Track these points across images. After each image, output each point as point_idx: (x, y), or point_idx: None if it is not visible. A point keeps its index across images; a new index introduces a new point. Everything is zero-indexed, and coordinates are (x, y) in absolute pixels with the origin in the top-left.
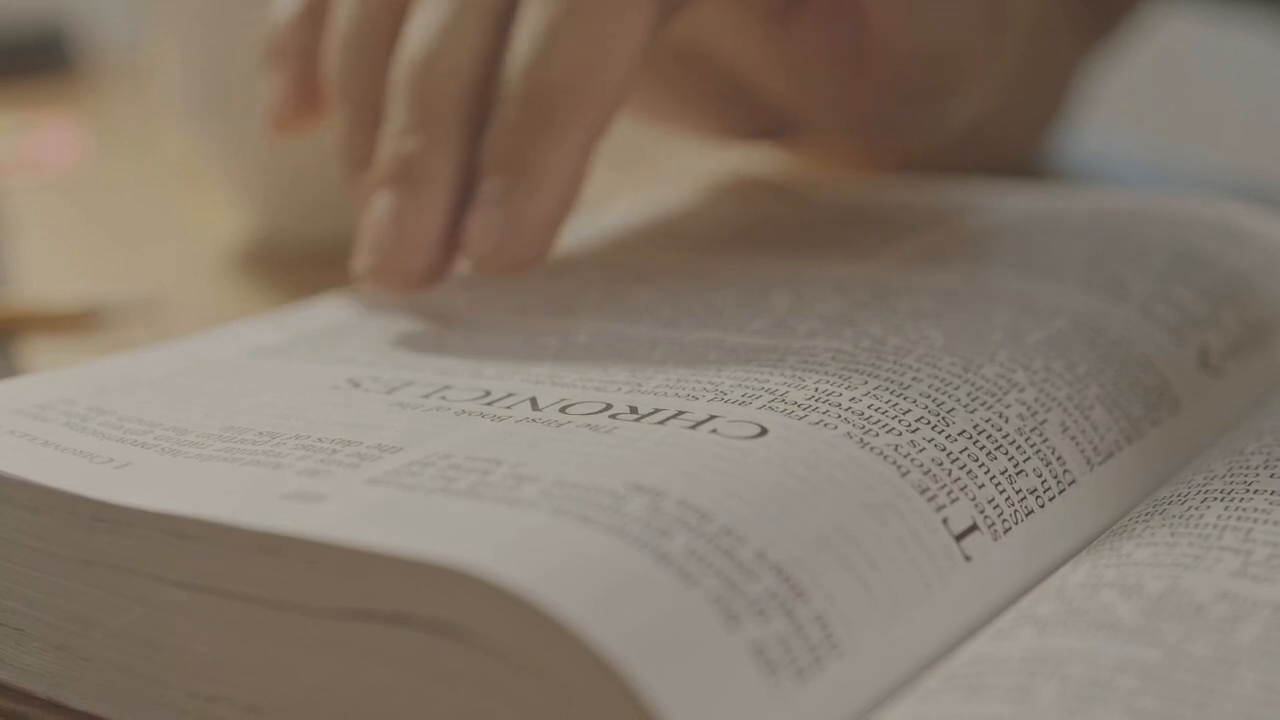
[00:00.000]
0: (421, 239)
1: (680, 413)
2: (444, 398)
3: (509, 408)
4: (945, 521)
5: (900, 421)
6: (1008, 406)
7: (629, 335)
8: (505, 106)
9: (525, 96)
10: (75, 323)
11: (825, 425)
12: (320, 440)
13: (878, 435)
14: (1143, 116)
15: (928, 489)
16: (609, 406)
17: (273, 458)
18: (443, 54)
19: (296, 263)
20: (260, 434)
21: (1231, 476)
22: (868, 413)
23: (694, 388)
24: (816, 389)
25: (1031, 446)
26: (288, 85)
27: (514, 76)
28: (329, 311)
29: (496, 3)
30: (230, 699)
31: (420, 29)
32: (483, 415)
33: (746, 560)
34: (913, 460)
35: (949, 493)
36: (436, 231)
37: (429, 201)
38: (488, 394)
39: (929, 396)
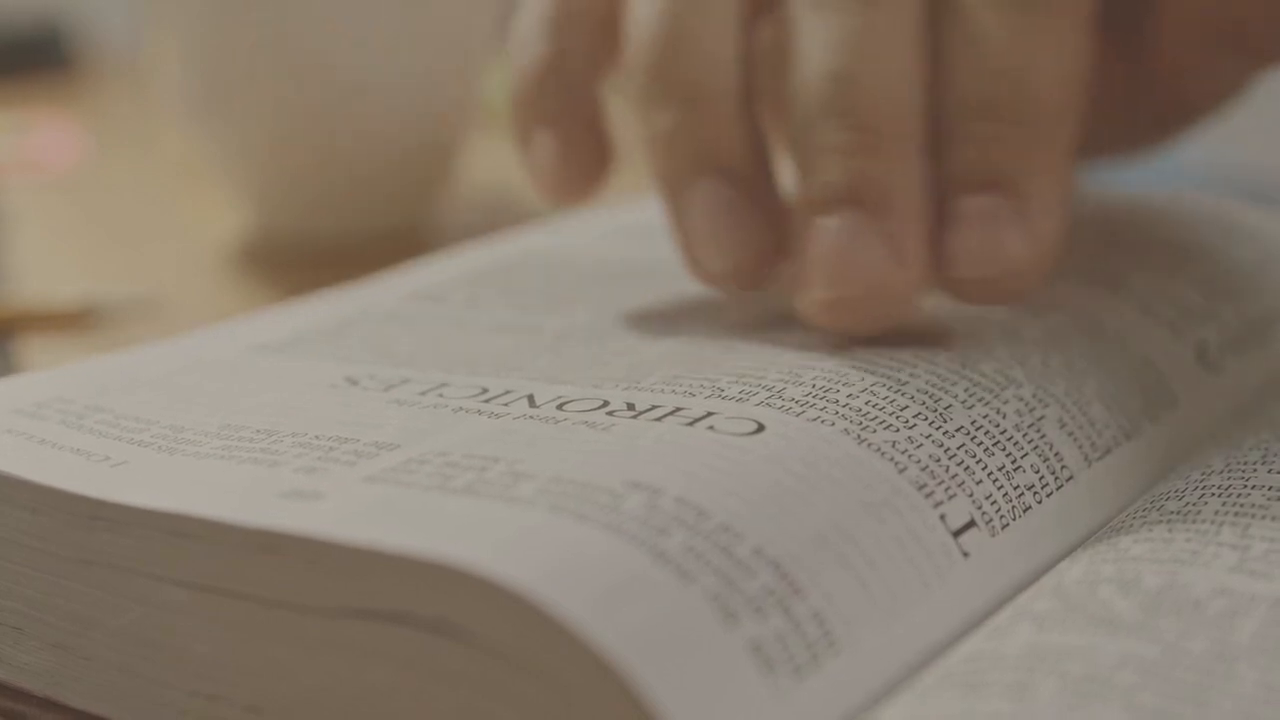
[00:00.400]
0: (906, 267)
1: (678, 409)
2: (441, 395)
3: (506, 405)
4: (943, 518)
5: (898, 418)
6: (1005, 403)
7: (626, 331)
8: (984, 120)
9: (1013, 109)
10: (73, 321)
11: (823, 422)
12: (318, 438)
13: (875, 432)
14: None
15: (925, 485)
16: (606, 403)
17: (270, 455)
18: (880, 67)
19: (295, 262)
20: (258, 431)
21: (1229, 472)
22: (865, 409)
23: (691, 384)
24: (814, 385)
25: (1029, 443)
26: (563, 141)
27: (991, 89)
28: (327, 309)
29: (918, 12)
30: (230, 698)
31: (836, 41)
32: (480, 412)
33: (744, 557)
34: (910, 457)
35: (946, 489)
36: (921, 257)
37: (906, 226)
38: (485, 391)
39: (926, 393)
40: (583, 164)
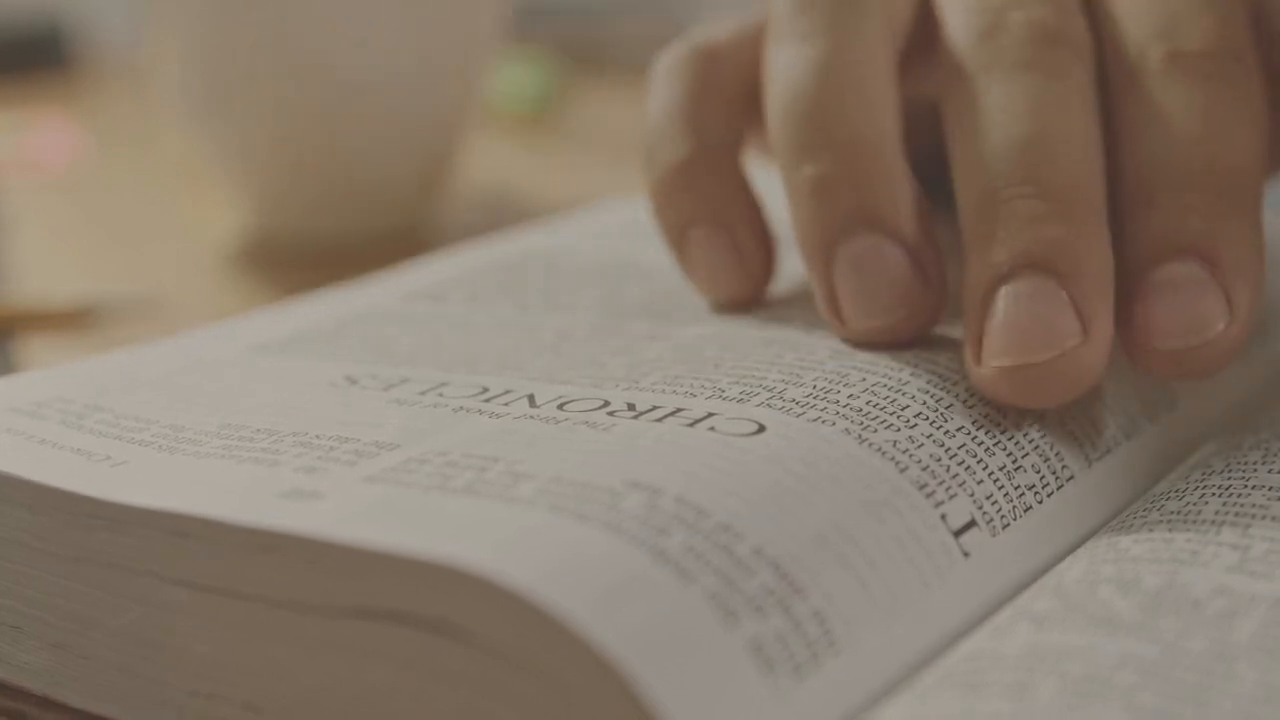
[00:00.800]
0: (1096, 335)
1: (678, 410)
2: (441, 395)
3: (506, 405)
4: (944, 518)
5: (898, 418)
6: None
7: (626, 331)
8: (1180, 190)
9: (1209, 179)
10: (73, 321)
11: (823, 422)
12: (318, 437)
13: (876, 431)
14: None
15: (926, 485)
16: (607, 403)
17: (270, 455)
18: (1070, 136)
19: (295, 261)
20: (258, 431)
21: (1229, 472)
22: (866, 409)
23: (692, 385)
24: (814, 385)
25: (1030, 442)
26: (728, 237)
27: (1185, 160)
28: (326, 309)
29: (1093, 75)
30: (229, 697)
31: (1025, 110)
32: (480, 412)
33: (744, 557)
34: (911, 456)
35: (947, 489)
36: (1110, 327)
37: (1097, 294)
38: (485, 391)
39: (927, 392)
40: (752, 259)
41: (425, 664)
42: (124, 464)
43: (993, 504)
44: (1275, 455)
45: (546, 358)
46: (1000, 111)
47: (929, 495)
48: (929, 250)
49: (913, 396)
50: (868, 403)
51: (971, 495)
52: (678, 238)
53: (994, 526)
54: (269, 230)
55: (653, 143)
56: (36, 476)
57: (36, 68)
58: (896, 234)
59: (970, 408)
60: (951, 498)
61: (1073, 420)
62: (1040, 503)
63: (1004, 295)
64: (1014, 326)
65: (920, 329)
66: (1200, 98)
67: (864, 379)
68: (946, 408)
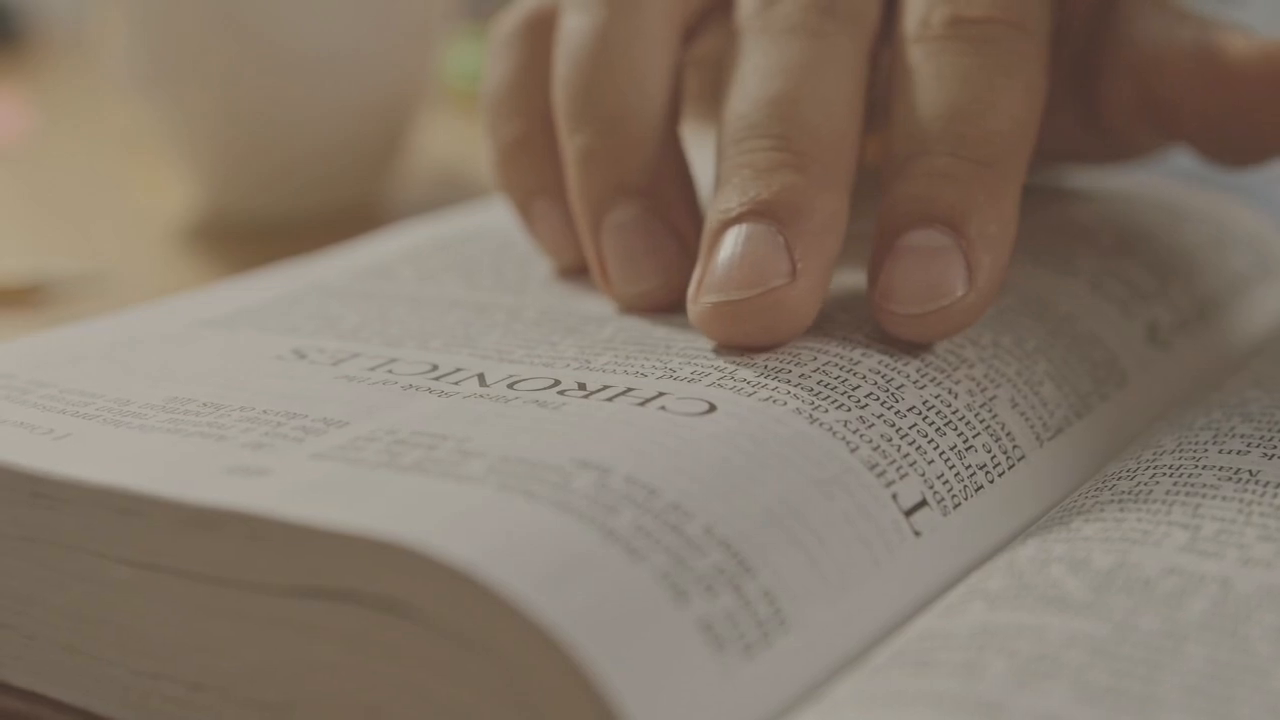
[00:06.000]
0: (804, 281)
1: (629, 390)
2: (390, 371)
3: (456, 383)
4: (894, 497)
5: (849, 397)
6: (957, 383)
7: (577, 311)
8: (937, 156)
9: (969, 148)
10: (21, 298)
11: (774, 401)
12: (265, 412)
13: (827, 411)
14: None
15: (877, 465)
16: (557, 383)
17: (217, 429)
18: (818, 96)
19: (245, 238)
20: (204, 405)
21: (1180, 452)
22: (817, 389)
23: (643, 365)
24: (766, 366)
25: (981, 422)
26: (564, 212)
27: (949, 126)
28: (273, 284)
29: (868, 46)
30: (174, 676)
31: (777, 68)
32: (430, 390)
33: (694, 536)
34: (862, 436)
35: (898, 468)
36: (822, 280)
37: (814, 244)
38: (435, 368)
39: (878, 373)
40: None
41: (373, 642)
42: (67, 437)
43: (944, 483)
44: (1226, 435)
45: (497, 335)
46: (757, 70)
47: (880, 475)
48: (688, 220)
49: (864, 376)
50: (819, 382)
51: (922, 475)
52: (522, 209)
53: (945, 506)
54: (219, 207)
55: (490, 119)
56: None
57: None
58: (656, 205)
59: (921, 388)
60: (902, 477)
61: (1024, 400)
62: (991, 482)
63: (727, 236)
64: (726, 264)
65: (682, 294)
66: (968, 63)
67: (815, 358)
68: (898, 388)
